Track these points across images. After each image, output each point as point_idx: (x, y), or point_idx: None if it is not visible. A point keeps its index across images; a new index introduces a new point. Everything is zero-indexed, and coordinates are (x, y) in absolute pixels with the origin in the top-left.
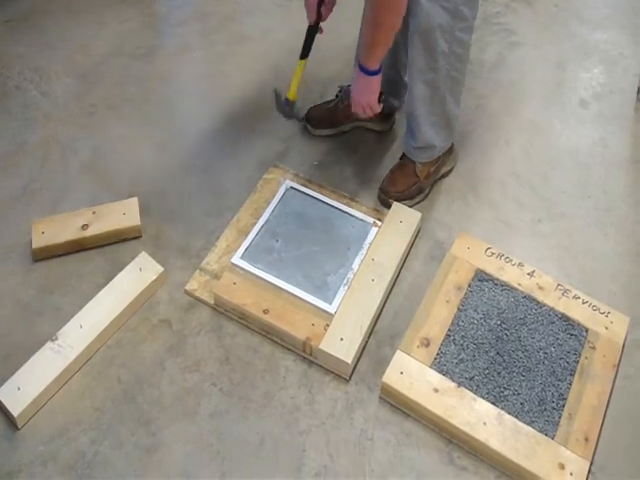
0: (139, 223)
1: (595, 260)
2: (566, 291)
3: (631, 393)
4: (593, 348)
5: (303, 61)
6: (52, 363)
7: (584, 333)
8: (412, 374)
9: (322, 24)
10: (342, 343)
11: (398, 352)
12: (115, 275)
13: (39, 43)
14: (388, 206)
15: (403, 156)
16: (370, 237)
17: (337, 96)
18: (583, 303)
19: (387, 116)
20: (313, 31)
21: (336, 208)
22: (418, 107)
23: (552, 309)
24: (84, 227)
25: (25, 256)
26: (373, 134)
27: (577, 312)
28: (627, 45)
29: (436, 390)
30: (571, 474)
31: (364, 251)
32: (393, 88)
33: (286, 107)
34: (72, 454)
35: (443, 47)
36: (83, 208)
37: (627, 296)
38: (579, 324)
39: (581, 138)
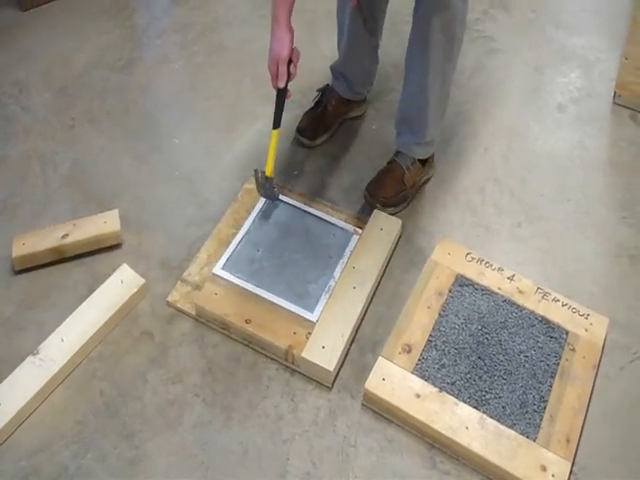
0: (119, 229)
1: (575, 262)
2: (546, 294)
3: (611, 393)
4: (573, 350)
5: (276, 132)
6: (33, 377)
7: (564, 335)
8: (394, 380)
9: (293, 83)
10: (324, 351)
11: (380, 359)
12: (96, 287)
13: (18, 56)
14: (371, 211)
15: (392, 161)
16: (351, 245)
17: (320, 100)
18: (563, 306)
19: (361, 101)
20: (283, 95)
21: (317, 217)
22: (429, 101)
23: (532, 312)
24: (64, 237)
25: (5, 270)
26: (353, 143)
27: (557, 315)
28: (604, 49)
29: (418, 395)
30: (553, 475)
31: (345, 259)
32: (368, 78)
33: (266, 185)
34: (55, 468)
35: (458, 34)
36: (64, 221)
37: (607, 297)
38: (559, 327)
39: (559, 142)
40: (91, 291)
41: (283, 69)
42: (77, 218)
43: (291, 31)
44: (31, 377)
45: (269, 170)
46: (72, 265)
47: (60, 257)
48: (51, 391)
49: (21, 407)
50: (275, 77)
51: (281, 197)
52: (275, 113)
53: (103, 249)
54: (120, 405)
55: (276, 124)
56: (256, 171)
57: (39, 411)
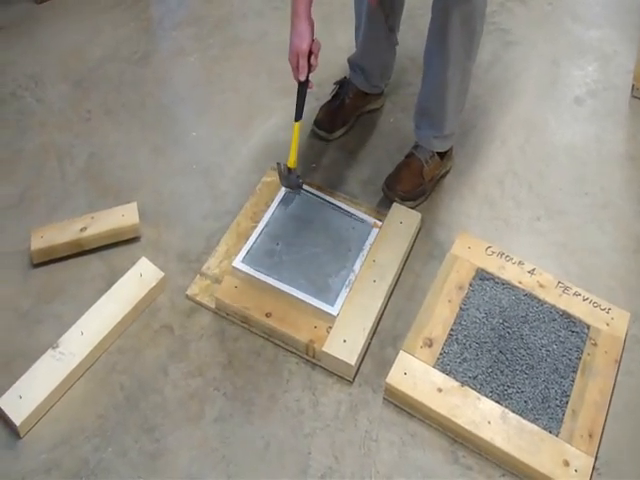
0: (137, 222)
1: (593, 256)
2: (567, 288)
3: (633, 388)
4: (595, 344)
5: (298, 124)
6: (54, 371)
7: (585, 330)
8: (416, 374)
9: (311, 76)
10: (345, 345)
11: (401, 353)
12: (115, 281)
13: (33, 50)
14: (390, 205)
15: (410, 154)
16: (371, 238)
17: (338, 93)
18: (584, 300)
19: (379, 94)
20: (304, 87)
21: (336, 210)
22: (449, 95)
23: (553, 307)
24: (82, 230)
25: (23, 264)
26: (371, 136)
27: (578, 309)
28: (620, 42)
29: (440, 390)
30: (576, 471)
31: (365, 252)
32: (386, 72)
33: (289, 176)
34: (75, 462)
35: (478, 28)
36: (81, 214)
37: (626, 291)
38: (580, 321)
39: (577, 135)
40: (109, 284)
41: (304, 62)
42: (94, 211)
43: (311, 23)
44: (51, 370)
45: (292, 162)
46: (90, 258)
47: (78, 250)
48: (71, 384)
49: (42, 401)
50: (296, 69)
51: (300, 195)
52: (297, 105)
53: (121, 242)
54: (140, 399)
55: (298, 116)
56: (278, 164)
57: (59, 405)
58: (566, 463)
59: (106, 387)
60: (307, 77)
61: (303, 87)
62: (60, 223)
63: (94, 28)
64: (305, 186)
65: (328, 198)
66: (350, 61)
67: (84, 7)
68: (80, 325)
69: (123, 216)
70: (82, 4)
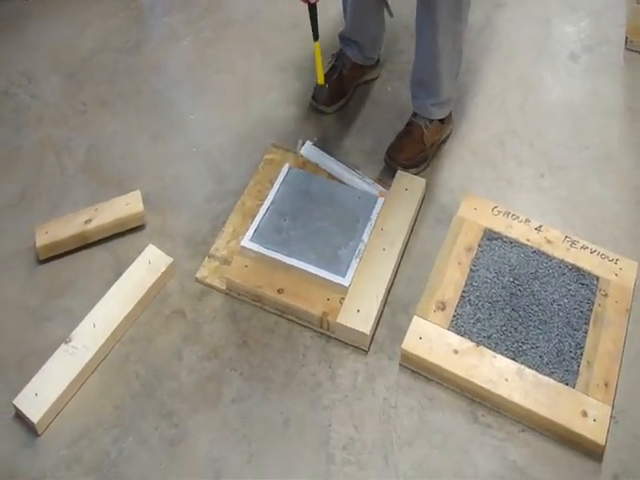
0: (142, 209)
1: (598, 209)
2: (574, 242)
3: None
4: (605, 295)
5: (317, 43)
6: (68, 365)
7: (595, 282)
8: (431, 338)
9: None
10: (359, 315)
11: (415, 318)
12: (123, 271)
13: (24, 46)
14: (394, 174)
15: (410, 122)
16: (377, 207)
17: (334, 66)
18: (591, 252)
19: (375, 64)
20: (314, 8)
21: (341, 182)
22: (442, 61)
23: (562, 261)
24: (87, 222)
25: (29, 261)
26: (370, 106)
27: (586, 262)
28: None
29: (456, 351)
30: (594, 420)
31: (372, 222)
32: (377, 43)
33: (321, 93)
34: (96, 455)
35: None
36: (84, 207)
37: (631, 241)
38: (589, 273)
39: (574, 90)
40: (118, 275)
41: None
42: (97, 203)
43: None
44: (65, 365)
45: (321, 78)
46: (97, 250)
47: (84, 243)
48: (86, 378)
49: (58, 396)
50: None
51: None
52: (312, 26)
53: (127, 232)
54: (157, 386)
55: (315, 36)
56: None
57: (75, 399)
58: (584, 413)
59: (121, 377)
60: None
61: (313, 8)
62: (64, 217)
63: (84, 20)
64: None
65: (331, 174)
66: (341, 36)
67: (73, 0)
68: (91, 317)
69: (127, 205)
70: None
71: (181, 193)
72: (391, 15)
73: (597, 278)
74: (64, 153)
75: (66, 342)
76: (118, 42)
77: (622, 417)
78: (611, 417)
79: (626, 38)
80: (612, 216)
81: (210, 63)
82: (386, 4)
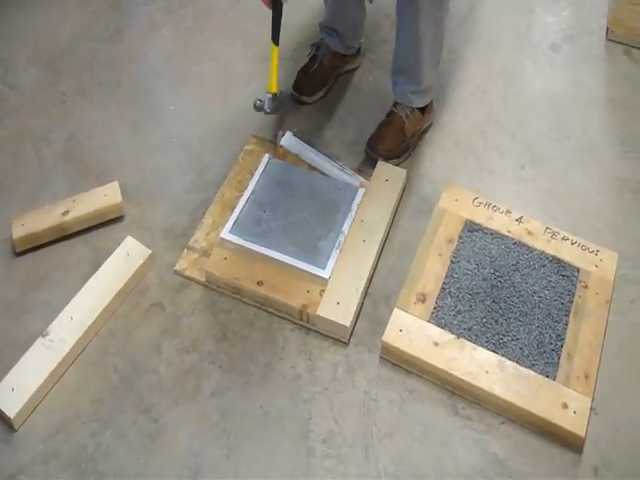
0: (120, 201)
1: (579, 200)
2: (555, 234)
3: (624, 327)
4: (585, 287)
5: (277, 47)
6: (45, 359)
7: (575, 273)
8: (411, 330)
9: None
10: (339, 307)
11: (396, 310)
12: (101, 263)
13: (1, 35)
14: (374, 164)
15: (391, 113)
16: (358, 198)
17: (315, 55)
18: (572, 244)
19: (356, 53)
20: (278, 8)
21: (321, 172)
22: (423, 48)
23: (542, 252)
24: (65, 213)
25: (6, 253)
26: (351, 96)
27: (567, 253)
28: None
29: (436, 344)
30: (574, 412)
31: (353, 213)
32: (358, 32)
33: (271, 103)
34: (74, 449)
35: None
36: (62, 198)
37: (612, 232)
38: (570, 265)
39: (555, 81)
40: (96, 267)
41: None
42: (76, 194)
43: None
44: (42, 359)
45: (273, 86)
46: (75, 242)
47: (62, 235)
48: (64, 371)
49: (35, 391)
50: None
51: (283, 161)
52: (273, 28)
53: (105, 223)
54: (135, 379)
55: (276, 39)
56: (256, 101)
57: (53, 393)
58: (564, 405)
59: (99, 371)
60: None
61: (277, 8)
62: (41, 209)
63: (63, 8)
64: (287, 155)
65: (312, 165)
66: (321, 25)
67: None
68: (69, 310)
69: (105, 196)
70: None
71: (160, 184)
72: (370, 1)
73: (578, 270)
74: (42, 144)
75: (43, 335)
76: (97, 30)
77: (602, 409)
78: (591, 409)
79: (607, 28)
80: (593, 207)
81: (190, 53)
82: None
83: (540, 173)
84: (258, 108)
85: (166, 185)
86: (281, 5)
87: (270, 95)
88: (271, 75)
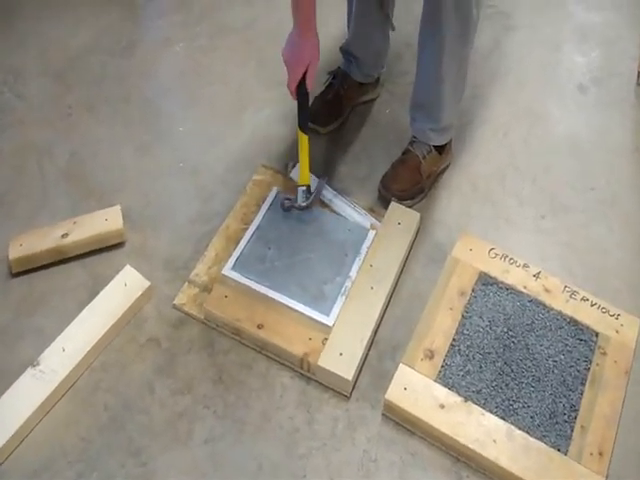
0: (122, 227)
1: (600, 257)
2: (574, 293)
3: None
4: (604, 354)
5: (306, 136)
6: (34, 391)
7: (594, 338)
8: (416, 389)
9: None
10: (342, 358)
11: (401, 366)
12: (98, 291)
13: (11, 42)
14: (387, 204)
15: (407, 151)
16: (368, 241)
17: (332, 84)
18: (592, 305)
19: (375, 83)
20: (304, 97)
21: (331, 210)
22: (445, 85)
23: (560, 313)
24: (64, 236)
25: (2, 274)
26: (367, 129)
27: (586, 315)
28: (624, 26)
29: (442, 406)
30: None
31: (362, 257)
32: (380, 60)
33: (305, 196)
34: None
35: (474, 13)
36: (63, 218)
37: (633, 293)
38: (588, 328)
39: (581, 125)
40: (93, 294)
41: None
42: (77, 215)
43: (314, 41)
44: (31, 391)
45: (304, 178)
46: (73, 266)
47: (60, 258)
48: (53, 405)
49: (22, 424)
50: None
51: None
52: (300, 116)
53: (105, 248)
54: (126, 419)
55: (304, 127)
56: (284, 199)
57: (40, 427)
58: None
59: (89, 407)
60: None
61: (303, 95)
62: (40, 229)
63: (75, 18)
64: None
65: (323, 197)
66: (342, 49)
67: None
68: (61, 341)
69: (106, 220)
70: None
71: (164, 211)
72: (393, 28)
73: (596, 334)
74: (45, 158)
75: (34, 365)
76: (109, 42)
77: None
78: None
79: (638, 73)
80: (615, 265)
81: (203, 73)
82: (387, 16)
83: (560, 225)
84: (288, 208)
85: (170, 212)
86: (307, 94)
87: (303, 188)
88: (302, 166)
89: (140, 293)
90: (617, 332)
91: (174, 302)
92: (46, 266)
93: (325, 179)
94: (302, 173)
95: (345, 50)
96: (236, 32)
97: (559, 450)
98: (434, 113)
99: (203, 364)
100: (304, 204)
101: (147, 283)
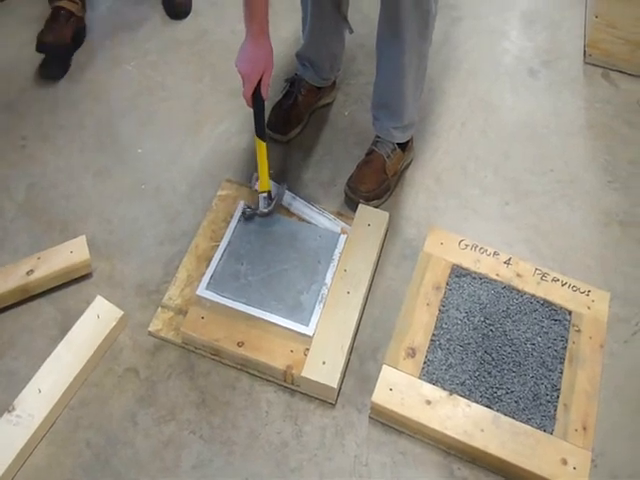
0: (88, 257)
1: (566, 236)
2: (544, 275)
3: (619, 370)
4: (579, 331)
5: (264, 143)
6: (12, 437)
7: (568, 317)
8: (402, 389)
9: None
10: (325, 367)
11: (384, 367)
12: (70, 325)
13: None
14: (355, 206)
15: (371, 151)
16: (340, 246)
17: (289, 91)
18: (562, 285)
19: (332, 86)
20: (260, 105)
21: (300, 219)
22: (407, 82)
23: (533, 296)
24: (29, 273)
25: None
26: (328, 132)
27: (558, 295)
28: (567, 7)
29: (428, 402)
30: (574, 468)
31: (335, 262)
32: (336, 63)
33: (267, 202)
34: None
35: (433, 7)
36: (26, 255)
37: (603, 268)
38: (561, 307)
39: (535, 109)
40: (64, 330)
41: (250, 89)
42: (40, 250)
43: (268, 48)
44: (9, 438)
45: (264, 184)
46: (40, 303)
47: (26, 296)
48: (32, 449)
49: (2, 473)
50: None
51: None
52: (256, 122)
53: (73, 281)
54: (110, 454)
55: (261, 134)
56: (244, 209)
57: (21, 474)
58: (564, 462)
59: (71, 446)
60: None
61: (259, 102)
62: (3, 268)
63: (18, 43)
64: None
65: (290, 211)
66: (298, 55)
67: (8, 19)
68: (36, 382)
69: (72, 253)
70: (6, 16)
71: (130, 235)
72: (351, 31)
73: (570, 312)
74: (2, 194)
75: (9, 411)
76: None
77: (601, 460)
78: (591, 461)
79: (585, 51)
80: (581, 243)
81: (157, 89)
82: (345, 19)
83: (525, 209)
84: (250, 216)
85: (136, 236)
86: (263, 101)
87: (264, 195)
88: (261, 173)
89: (114, 324)
90: (589, 308)
91: (149, 329)
92: (12, 306)
93: (285, 185)
94: (262, 179)
95: (301, 55)
96: (187, 45)
97: (545, 431)
98: (397, 111)
99: (185, 389)
100: (266, 210)
101: (120, 312)
